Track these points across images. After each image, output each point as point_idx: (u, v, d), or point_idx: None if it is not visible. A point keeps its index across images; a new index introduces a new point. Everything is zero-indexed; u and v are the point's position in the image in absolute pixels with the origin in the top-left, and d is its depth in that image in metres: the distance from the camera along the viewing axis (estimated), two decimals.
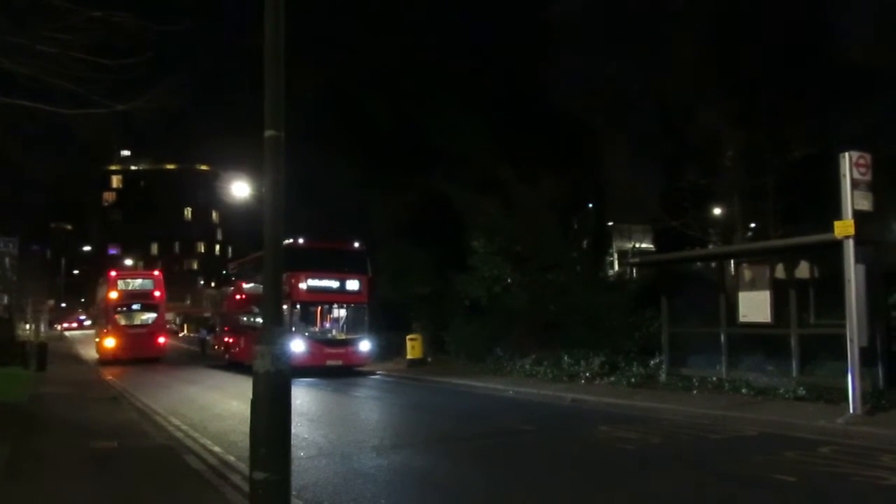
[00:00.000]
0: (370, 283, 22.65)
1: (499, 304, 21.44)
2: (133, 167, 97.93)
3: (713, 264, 14.67)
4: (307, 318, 22.29)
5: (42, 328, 30.25)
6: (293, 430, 5.15)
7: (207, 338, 37.52)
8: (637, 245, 27.17)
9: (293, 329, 20.26)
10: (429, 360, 23.23)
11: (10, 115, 9.11)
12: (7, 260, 42.05)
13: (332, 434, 10.44)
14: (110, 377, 21.71)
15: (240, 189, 29.78)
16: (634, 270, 21.20)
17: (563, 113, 23.33)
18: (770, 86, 16.38)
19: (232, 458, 8.21)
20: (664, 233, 21.95)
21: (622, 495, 6.83)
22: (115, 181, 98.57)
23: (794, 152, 16.69)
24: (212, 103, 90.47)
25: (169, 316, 60.25)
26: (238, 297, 26.87)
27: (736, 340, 13.29)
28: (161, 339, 30.36)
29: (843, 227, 9.69)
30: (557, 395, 14.55)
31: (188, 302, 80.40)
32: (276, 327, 5.14)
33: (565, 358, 17.08)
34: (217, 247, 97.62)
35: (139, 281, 31.88)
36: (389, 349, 24.78)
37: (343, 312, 22.99)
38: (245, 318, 24.88)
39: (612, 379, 15.46)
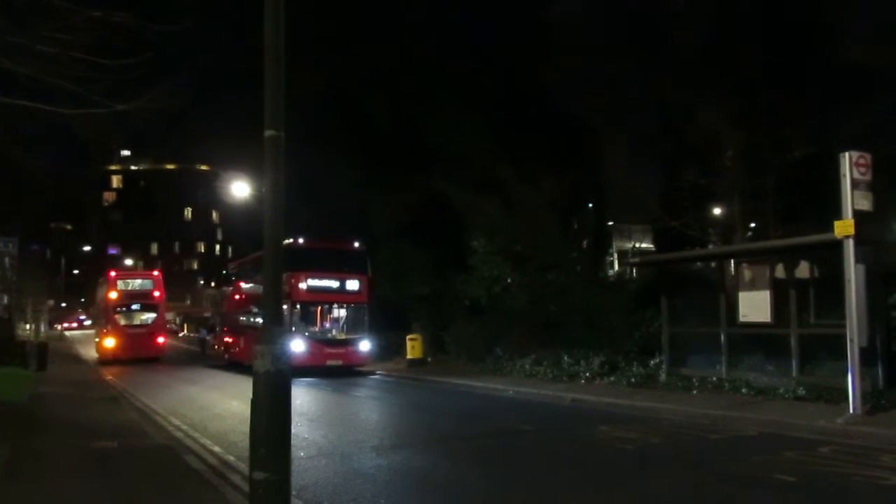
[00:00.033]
0: (370, 282, 22.64)
1: (499, 304, 21.44)
2: (133, 167, 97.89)
3: (713, 264, 14.67)
4: (307, 318, 22.29)
5: (42, 328, 30.27)
6: (293, 430, 5.15)
7: (207, 338, 37.54)
8: (637, 245, 27.18)
9: (293, 329, 20.26)
10: (429, 360, 23.23)
11: (10, 115, 9.11)
12: (7, 260, 42.06)
13: (332, 434, 10.44)
14: (110, 377, 21.72)
15: (240, 189, 29.78)
16: (634, 270, 21.19)
17: (562, 113, 23.36)
18: (770, 86, 16.38)
19: (232, 458, 8.21)
20: (664, 233, 21.97)
21: (622, 495, 6.83)
22: (115, 181, 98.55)
23: (794, 152, 16.69)
24: (212, 103, 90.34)
25: (169, 316, 60.25)
26: (238, 296, 26.87)
27: (736, 340, 13.29)
28: (160, 339, 30.44)
29: (843, 227, 9.69)
30: (557, 395, 14.55)
31: (188, 302, 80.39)
32: (276, 327, 5.14)
33: (565, 358, 17.08)
34: (217, 247, 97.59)
35: (139, 281, 31.99)
36: (389, 349, 24.78)
37: (343, 312, 22.99)
38: (245, 318, 24.88)
39: (612, 379, 15.46)
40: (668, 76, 18.48)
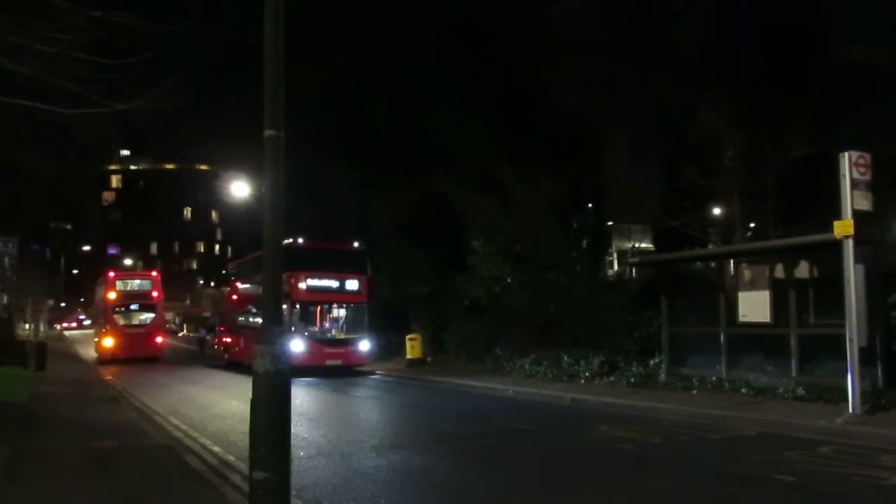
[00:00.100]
0: (370, 282, 22.64)
1: (498, 304, 21.44)
2: (133, 167, 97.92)
3: (713, 264, 14.67)
4: (307, 318, 22.29)
5: (41, 328, 30.30)
6: (293, 430, 5.15)
7: (207, 337, 37.58)
8: (637, 245, 27.19)
9: (293, 329, 20.26)
10: (428, 359, 23.23)
11: (10, 115, 9.11)
12: (7, 260, 42.09)
13: (332, 434, 10.44)
14: (110, 377, 21.71)
15: (239, 189, 29.79)
16: (634, 270, 21.21)
17: (562, 113, 23.37)
18: (770, 86, 16.39)
19: (232, 458, 8.20)
20: (664, 232, 21.99)
21: (622, 495, 6.83)
22: (115, 181, 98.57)
23: (794, 152, 16.72)
24: (212, 103, 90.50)
25: (168, 315, 60.36)
26: (237, 296, 26.88)
27: (735, 340, 13.28)
28: (159, 339, 30.60)
29: (843, 227, 9.69)
30: (557, 394, 14.55)
31: (188, 302, 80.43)
32: (276, 327, 5.13)
33: (565, 358, 17.07)
34: (217, 247, 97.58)
35: (137, 281, 32.18)
36: (389, 349, 24.77)
37: (343, 312, 22.99)
38: (244, 318, 24.88)
39: (612, 379, 15.46)
40: (668, 76, 18.49)
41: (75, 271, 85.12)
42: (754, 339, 13.01)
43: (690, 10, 17.60)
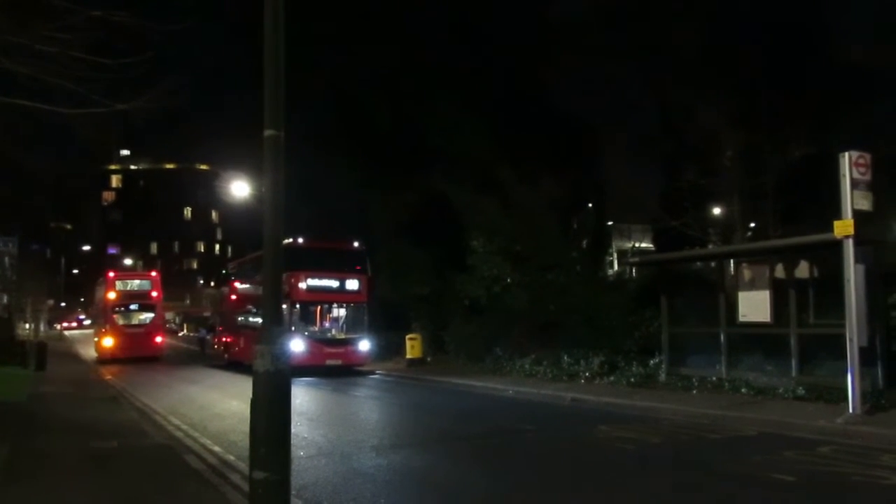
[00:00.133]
0: (370, 282, 22.65)
1: (498, 304, 21.44)
2: (133, 167, 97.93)
3: (713, 264, 14.67)
4: (307, 318, 22.29)
5: (41, 327, 30.32)
6: (293, 430, 5.15)
7: (207, 337, 37.57)
8: (637, 245, 27.20)
9: (293, 328, 20.27)
10: (428, 359, 23.23)
11: (10, 115, 9.10)
12: (7, 259, 42.11)
13: (332, 433, 10.44)
14: (110, 376, 21.71)
15: (239, 189, 29.80)
16: (634, 270, 21.21)
17: (562, 113, 23.39)
18: (770, 86, 16.39)
19: (232, 458, 8.20)
20: (664, 232, 22.00)
21: (622, 495, 6.83)
22: (115, 181, 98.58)
23: (794, 152, 16.72)
24: (212, 103, 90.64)
25: (169, 315, 60.41)
26: (237, 296, 26.88)
27: (735, 340, 13.28)
28: (158, 339, 30.68)
29: (843, 227, 9.69)
30: (557, 394, 14.55)
31: (188, 301, 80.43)
32: (276, 327, 5.13)
33: (565, 357, 17.07)
34: (217, 246, 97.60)
35: (137, 282, 32.28)
36: (389, 349, 24.78)
37: (343, 312, 22.99)
38: (244, 318, 24.88)
39: (612, 378, 15.46)
40: (668, 76, 18.49)
41: (75, 271, 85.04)
42: (754, 339, 13.01)
43: (690, 10, 17.60)
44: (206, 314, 58.30)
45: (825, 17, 16.66)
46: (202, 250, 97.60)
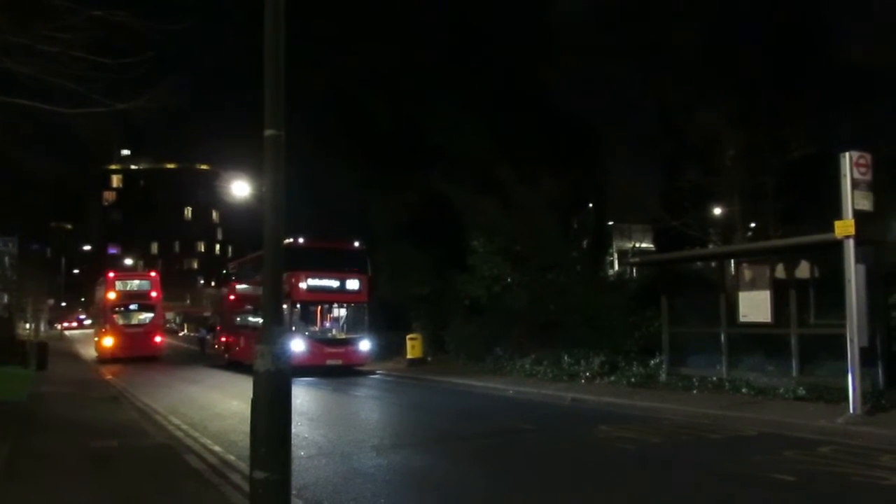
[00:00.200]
0: (370, 282, 22.65)
1: (498, 304, 21.44)
2: (133, 167, 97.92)
3: (713, 264, 14.67)
4: (307, 318, 22.29)
5: (42, 327, 30.33)
6: (293, 430, 5.15)
7: (207, 337, 37.60)
8: (637, 245, 27.23)
9: (293, 328, 20.26)
10: (429, 359, 23.23)
11: (10, 115, 9.11)
12: (7, 259, 42.12)
13: (332, 433, 10.44)
14: (110, 376, 21.71)
15: (240, 188, 29.82)
16: (634, 270, 21.21)
17: (562, 113, 23.39)
18: (770, 86, 16.39)
19: (232, 458, 8.20)
20: (664, 232, 22.00)
21: (622, 495, 6.83)
22: (115, 181, 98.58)
23: (794, 152, 16.71)
24: (212, 103, 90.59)
25: (169, 315, 60.45)
26: (238, 296, 26.89)
27: (736, 340, 13.28)
28: (158, 339, 30.84)
29: (843, 227, 9.69)
30: (557, 394, 14.55)
31: (188, 301, 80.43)
32: (277, 327, 5.13)
33: (565, 357, 17.07)
34: (217, 246, 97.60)
35: (136, 282, 32.41)
36: (389, 349, 24.78)
37: (343, 312, 22.99)
38: (245, 318, 24.88)
39: (612, 378, 15.46)
40: (667, 76, 18.49)
41: (76, 271, 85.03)
42: (755, 339, 13.01)
43: (690, 10, 17.60)
44: (207, 314, 58.33)
45: (825, 17, 16.66)
46: (202, 250, 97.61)
